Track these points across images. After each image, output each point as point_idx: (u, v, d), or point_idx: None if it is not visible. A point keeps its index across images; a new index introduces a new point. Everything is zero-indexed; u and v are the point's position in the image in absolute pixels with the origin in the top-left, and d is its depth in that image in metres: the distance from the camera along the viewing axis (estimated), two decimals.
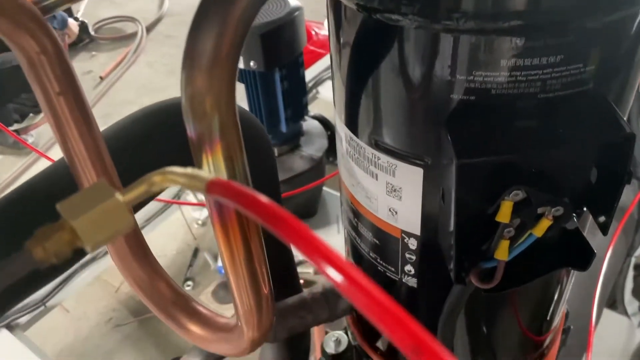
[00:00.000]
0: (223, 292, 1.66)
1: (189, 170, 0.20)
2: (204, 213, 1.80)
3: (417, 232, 0.45)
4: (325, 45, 2.29)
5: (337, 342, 0.69)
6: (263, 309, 0.34)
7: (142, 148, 0.38)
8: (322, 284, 0.60)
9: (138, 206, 0.40)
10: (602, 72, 0.35)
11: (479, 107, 0.35)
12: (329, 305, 0.57)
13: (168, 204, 1.63)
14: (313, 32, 2.36)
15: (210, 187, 0.19)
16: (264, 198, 0.18)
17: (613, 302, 1.21)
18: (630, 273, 1.10)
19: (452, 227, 0.39)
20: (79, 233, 0.19)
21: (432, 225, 0.44)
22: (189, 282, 1.66)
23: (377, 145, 0.43)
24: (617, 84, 0.37)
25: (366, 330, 0.63)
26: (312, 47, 2.23)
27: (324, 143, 1.41)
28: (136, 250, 0.35)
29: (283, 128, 1.31)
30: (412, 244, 0.46)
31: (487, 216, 0.38)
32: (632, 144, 0.33)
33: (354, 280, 0.16)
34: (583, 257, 0.41)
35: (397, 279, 0.50)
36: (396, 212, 0.45)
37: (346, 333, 0.70)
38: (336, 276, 0.16)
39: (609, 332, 1.16)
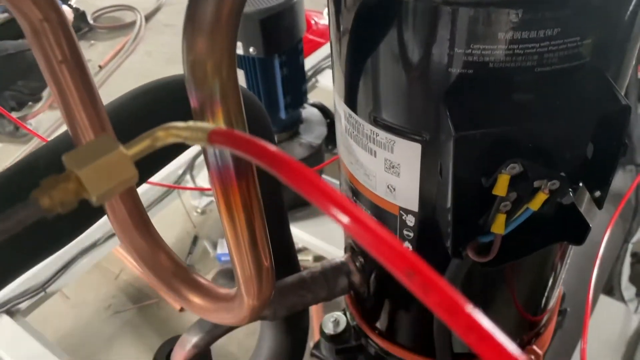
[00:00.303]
0: (223, 280, 1.67)
1: (190, 123, 0.21)
2: (203, 201, 1.80)
3: (415, 208, 0.45)
4: (324, 34, 2.29)
5: (336, 322, 0.69)
6: (263, 277, 0.35)
7: (143, 122, 0.38)
8: (321, 264, 0.60)
9: (145, 175, 0.40)
10: (598, 46, 0.35)
11: (477, 80, 0.36)
12: (327, 284, 0.58)
13: (167, 193, 1.63)
14: (312, 22, 2.35)
15: (212, 137, 0.20)
16: (266, 143, 0.18)
17: (610, 289, 1.22)
18: (628, 259, 1.11)
19: (449, 203, 0.39)
20: (85, 183, 0.19)
21: (429, 201, 0.44)
22: None
23: (376, 121, 0.43)
24: (614, 59, 0.37)
25: (365, 311, 0.64)
26: (311, 37, 2.23)
27: (323, 131, 1.41)
28: (138, 221, 0.35)
29: (282, 115, 1.32)
30: (410, 220, 0.47)
31: (484, 190, 0.38)
32: (628, 116, 0.34)
33: (358, 220, 0.17)
34: (579, 231, 0.41)
35: None
36: (394, 189, 0.46)
37: (345, 314, 0.71)
38: (342, 217, 0.17)
39: (606, 318, 1.17)
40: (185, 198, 1.74)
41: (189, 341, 0.55)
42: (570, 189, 0.40)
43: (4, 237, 0.18)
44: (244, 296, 0.36)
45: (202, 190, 1.61)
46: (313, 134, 1.40)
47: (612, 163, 0.37)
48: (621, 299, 1.17)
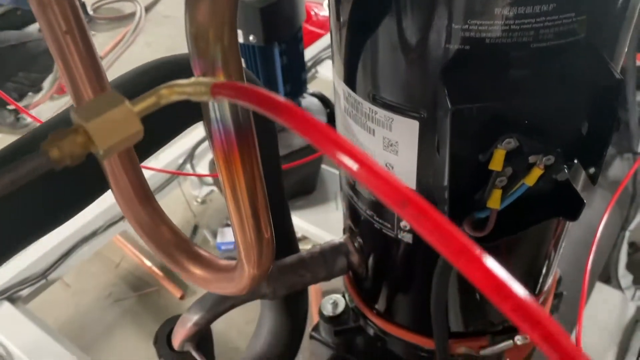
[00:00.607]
0: None
1: (193, 79, 0.21)
2: (203, 191, 1.81)
3: (413, 186, 0.46)
4: (324, 25, 2.29)
5: (335, 304, 0.70)
6: (264, 246, 0.36)
7: None
8: (320, 245, 0.61)
9: (147, 151, 0.41)
10: (593, 23, 0.36)
11: (474, 56, 0.36)
12: (326, 264, 0.59)
13: (168, 182, 1.64)
14: (313, 13, 2.35)
15: (215, 89, 0.20)
16: (268, 91, 0.19)
17: (607, 278, 1.23)
18: (625, 246, 1.12)
19: (446, 180, 0.40)
20: (92, 136, 0.20)
21: (427, 178, 0.45)
22: None
23: (375, 99, 0.44)
24: (609, 36, 0.38)
25: (363, 292, 0.64)
26: (311, 28, 2.23)
27: (323, 120, 1.42)
28: (140, 194, 0.36)
29: None
30: None
31: (480, 165, 0.39)
32: (621, 90, 0.34)
33: (366, 165, 0.17)
34: (574, 207, 0.42)
35: (393, 235, 0.52)
36: (392, 167, 0.46)
37: (344, 297, 0.71)
38: (351, 164, 0.17)
39: (602, 306, 1.18)
40: (185, 187, 1.74)
41: (190, 320, 0.56)
42: (565, 166, 0.41)
43: (13, 188, 0.18)
44: (245, 265, 0.37)
45: (202, 176, 1.61)
46: None
47: (606, 139, 0.37)
48: (618, 286, 1.18)
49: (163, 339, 0.59)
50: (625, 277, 1.16)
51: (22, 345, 1.24)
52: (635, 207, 1.05)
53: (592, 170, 0.40)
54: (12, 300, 1.34)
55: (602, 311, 1.16)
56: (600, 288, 1.18)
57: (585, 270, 0.80)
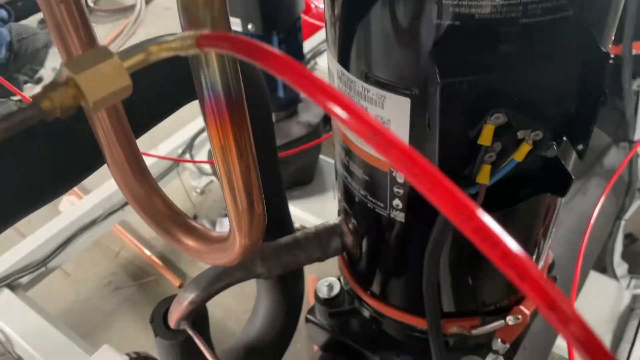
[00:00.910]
0: None
1: (178, 34, 0.22)
2: (202, 181, 1.82)
3: None
4: (323, 17, 2.29)
5: (330, 287, 0.71)
6: (254, 217, 0.36)
7: (143, 75, 0.39)
8: (314, 226, 0.62)
9: (145, 124, 0.41)
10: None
11: (463, 32, 0.37)
12: (321, 244, 0.59)
13: (167, 171, 1.65)
14: (313, 5, 2.35)
15: (200, 41, 0.21)
16: (252, 39, 0.20)
17: (604, 268, 1.23)
18: (620, 235, 1.12)
19: (436, 157, 0.41)
20: (82, 88, 0.20)
21: None
22: None
23: (367, 77, 0.44)
24: (597, 13, 0.38)
25: (357, 274, 0.65)
26: (311, 20, 2.23)
27: (321, 110, 1.42)
28: (135, 167, 0.37)
29: (280, 93, 1.33)
30: (400, 177, 0.48)
31: (469, 141, 0.40)
32: (607, 64, 0.35)
33: (353, 111, 0.18)
34: (562, 183, 0.43)
35: (386, 214, 0.52)
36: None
37: (339, 280, 0.72)
38: (340, 112, 0.18)
39: (598, 294, 1.19)
40: (184, 178, 1.75)
41: (186, 298, 0.57)
42: (554, 143, 0.42)
43: (5, 136, 0.19)
44: (237, 236, 0.37)
45: (201, 162, 1.62)
46: (311, 113, 1.41)
47: (593, 114, 0.38)
48: (613, 275, 1.18)
49: (159, 317, 0.59)
50: (620, 266, 1.17)
51: (22, 332, 1.25)
52: (631, 196, 1.05)
53: (580, 147, 0.41)
54: (12, 287, 1.34)
55: (598, 300, 1.17)
56: (596, 277, 1.19)
57: (579, 256, 0.81)
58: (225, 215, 1.81)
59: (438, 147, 0.40)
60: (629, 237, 1.57)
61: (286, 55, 0.19)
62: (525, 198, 0.43)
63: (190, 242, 0.40)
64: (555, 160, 0.42)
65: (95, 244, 1.68)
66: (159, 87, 0.41)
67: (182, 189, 1.77)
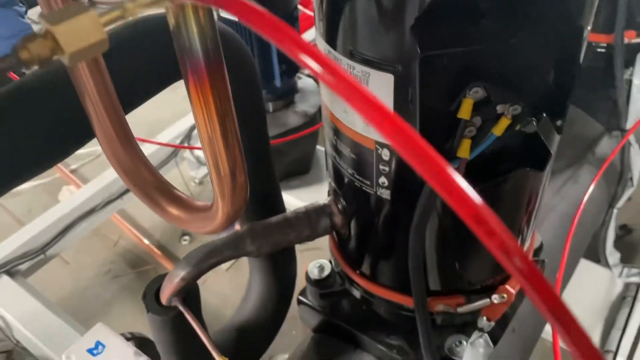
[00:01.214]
0: None
1: None
2: (200, 172, 1.83)
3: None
4: None
5: (321, 268, 0.72)
6: (237, 185, 0.37)
7: (133, 49, 0.40)
8: (304, 206, 0.63)
9: (136, 100, 0.42)
10: None
11: (443, 7, 0.38)
12: (310, 223, 0.60)
13: (165, 161, 1.66)
14: None
15: None
16: None
17: (598, 260, 1.24)
18: (612, 224, 1.13)
19: (417, 130, 0.42)
20: (59, 40, 0.21)
21: None
22: (186, 237, 1.69)
23: (353, 55, 0.45)
24: None
25: (347, 255, 0.66)
26: (310, 12, 2.24)
27: (318, 100, 1.43)
28: (122, 137, 0.38)
29: (278, 83, 1.33)
30: (385, 154, 0.49)
31: (450, 115, 0.41)
32: (582, 35, 0.36)
33: (329, 66, 0.19)
34: (541, 158, 0.44)
35: (372, 192, 0.53)
36: None
37: (330, 262, 0.73)
38: (314, 65, 0.19)
39: (590, 283, 1.20)
40: (183, 168, 1.76)
41: (177, 275, 0.58)
42: (533, 119, 0.43)
43: None
44: (220, 204, 0.38)
45: (199, 149, 1.63)
46: (308, 103, 1.42)
47: (569, 88, 0.39)
48: (606, 264, 1.19)
49: (151, 294, 0.60)
50: (612, 254, 1.18)
51: (21, 318, 1.27)
52: (623, 185, 1.06)
53: (558, 122, 0.42)
54: (11, 274, 1.36)
55: (590, 288, 1.18)
56: (588, 266, 1.20)
57: (567, 238, 0.82)
58: None
59: (419, 121, 0.41)
60: (623, 228, 1.58)
61: (283, 24, 0.20)
62: (504, 172, 0.44)
63: (175, 211, 0.42)
64: (535, 136, 0.43)
65: (94, 233, 1.69)
66: (147, 65, 0.42)
67: (180, 180, 1.79)
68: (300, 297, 0.75)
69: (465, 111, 0.40)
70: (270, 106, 1.40)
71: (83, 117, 0.38)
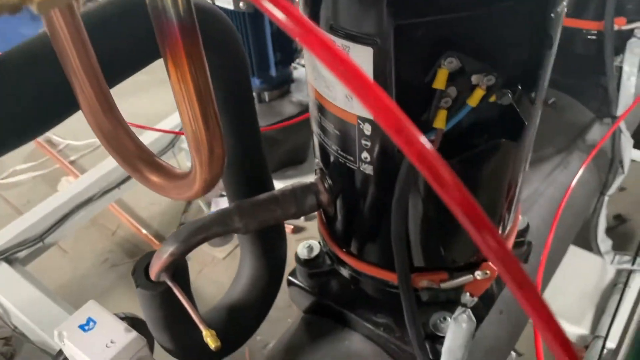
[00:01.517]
0: (216, 238, 1.72)
1: None
2: None
3: (371, 115, 0.49)
4: None
5: (310, 248, 0.73)
6: (214, 152, 0.38)
7: (116, 24, 0.41)
8: (291, 184, 0.64)
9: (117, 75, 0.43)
10: None
11: None
12: (297, 201, 0.61)
13: (163, 151, 1.67)
14: None
15: None
16: None
17: (590, 248, 1.25)
18: (604, 211, 1.14)
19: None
20: None
21: None
22: None
23: (333, 29, 0.46)
24: None
25: (335, 234, 0.67)
26: None
27: None
28: (104, 105, 0.39)
29: (273, 72, 1.34)
30: (367, 129, 0.50)
31: (426, 86, 0.42)
32: (554, 6, 0.37)
33: (294, 17, 0.20)
34: (515, 128, 0.45)
35: (356, 168, 0.54)
36: (351, 97, 0.49)
37: (319, 243, 0.74)
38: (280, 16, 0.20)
39: (581, 271, 1.21)
40: (180, 158, 1.78)
41: (165, 251, 0.59)
42: (509, 91, 0.43)
43: None
44: (198, 171, 0.39)
45: None
46: (303, 92, 1.43)
47: (541, 60, 0.40)
48: (598, 252, 1.20)
49: (140, 270, 0.62)
50: (604, 242, 1.19)
51: (19, 304, 1.28)
52: (614, 172, 1.07)
53: (532, 94, 0.43)
54: (9, 261, 1.37)
55: (582, 275, 1.19)
56: (580, 253, 1.21)
57: (554, 222, 0.83)
58: (222, 195, 1.83)
59: (395, 92, 0.42)
60: (618, 218, 1.59)
61: None
62: (480, 144, 0.45)
63: (155, 178, 0.43)
64: (510, 107, 0.44)
65: (93, 223, 1.71)
66: (130, 38, 0.43)
67: None
68: (290, 278, 0.76)
69: (440, 81, 0.40)
70: (266, 96, 1.41)
71: (67, 88, 0.39)
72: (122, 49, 0.43)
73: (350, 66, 0.22)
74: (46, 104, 0.39)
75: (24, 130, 0.40)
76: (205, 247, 1.68)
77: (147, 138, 1.59)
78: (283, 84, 1.42)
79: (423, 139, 0.21)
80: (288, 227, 1.67)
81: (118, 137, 0.41)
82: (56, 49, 0.36)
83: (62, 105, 0.40)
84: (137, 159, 0.42)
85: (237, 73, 0.54)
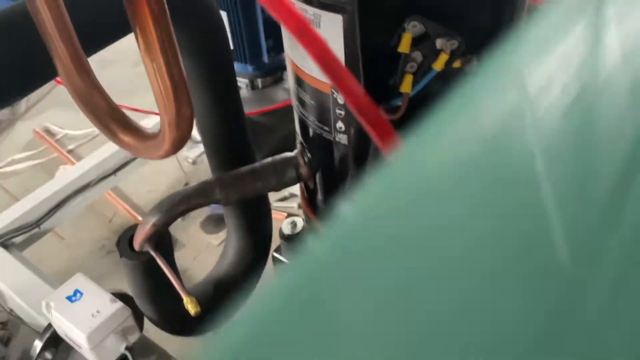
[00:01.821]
0: (211, 225, 1.73)
1: None
2: (194, 152, 1.86)
3: None
4: None
5: (293, 224, 0.75)
6: (182, 107, 0.40)
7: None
8: (272, 157, 0.65)
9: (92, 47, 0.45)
10: None
11: None
12: (277, 174, 0.63)
13: None
14: None
15: None
16: None
17: None
18: None
19: (360, 67, 0.44)
20: None
21: (353, 73, 0.48)
22: None
23: None
24: None
25: (315, 207, 0.69)
26: None
27: None
28: (78, 66, 0.40)
29: (265, 59, 1.35)
30: (340, 98, 0.52)
31: (391, 52, 0.43)
32: None
33: None
34: None
35: (331, 138, 0.56)
36: None
37: (303, 220, 0.76)
38: None
39: None
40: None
41: (149, 222, 0.61)
42: (474, 56, 0.45)
43: None
44: (167, 129, 0.41)
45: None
46: None
47: (505, 26, 0.41)
48: None
49: (125, 241, 0.63)
50: None
51: (16, 288, 1.30)
52: None
53: None
54: (6, 246, 1.39)
55: None
56: None
57: None
58: None
59: (363, 59, 0.43)
60: None
61: None
62: None
63: (126, 137, 0.44)
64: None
65: (90, 210, 1.73)
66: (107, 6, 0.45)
67: (174, 159, 1.81)
68: (275, 254, 0.78)
69: (404, 45, 0.42)
70: (259, 83, 1.43)
71: (45, 53, 0.40)
72: (99, 13, 0.44)
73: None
74: (24, 68, 0.40)
75: (4, 92, 0.41)
76: (200, 234, 1.69)
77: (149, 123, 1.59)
78: (276, 71, 1.42)
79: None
80: (281, 214, 1.68)
81: (90, 95, 0.42)
82: (31, 11, 0.37)
83: (40, 69, 0.41)
84: (110, 119, 0.43)
85: (216, 44, 0.55)
